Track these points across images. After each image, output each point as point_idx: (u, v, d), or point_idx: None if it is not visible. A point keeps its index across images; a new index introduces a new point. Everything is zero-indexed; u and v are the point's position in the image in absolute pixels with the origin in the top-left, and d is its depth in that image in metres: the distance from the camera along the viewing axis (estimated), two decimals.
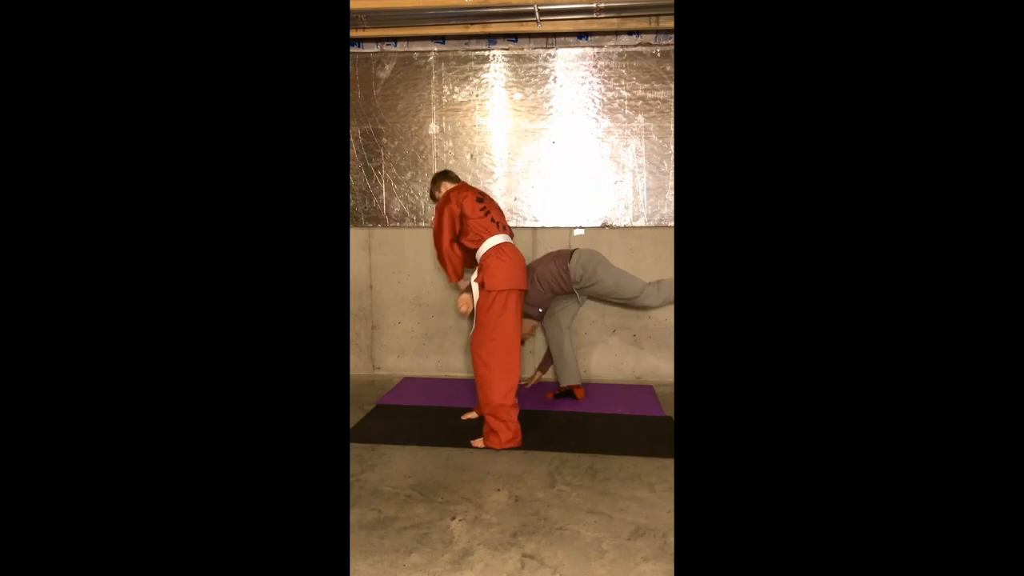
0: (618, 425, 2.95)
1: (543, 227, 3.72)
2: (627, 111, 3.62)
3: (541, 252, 3.71)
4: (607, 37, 3.59)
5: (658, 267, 3.58)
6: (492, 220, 2.75)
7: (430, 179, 3.15)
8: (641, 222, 3.65)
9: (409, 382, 3.71)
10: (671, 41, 3.53)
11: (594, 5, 3.22)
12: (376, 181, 3.82)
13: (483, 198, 2.81)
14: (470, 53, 3.69)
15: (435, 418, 3.05)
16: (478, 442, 2.70)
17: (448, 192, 2.79)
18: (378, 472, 2.42)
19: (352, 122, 3.77)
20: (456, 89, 3.72)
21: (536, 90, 3.67)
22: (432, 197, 3.01)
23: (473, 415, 3.03)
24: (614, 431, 2.86)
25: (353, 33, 3.49)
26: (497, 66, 3.68)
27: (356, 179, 3.83)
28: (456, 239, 2.77)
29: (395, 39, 3.68)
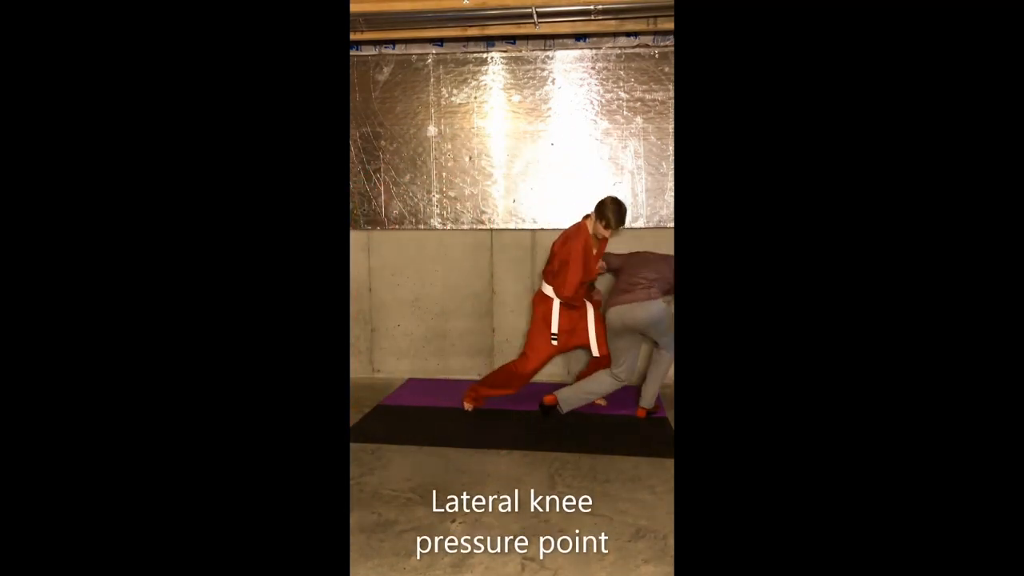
0: (618, 425, 2.95)
1: (542, 229, 3.72)
2: (625, 112, 3.62)
3: (540, 254, 3.71)
4: (605, 39, 3.59)
5: None
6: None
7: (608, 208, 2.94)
8: (640, 223, 3.65)
9: (415, 383, 3.71)
10: (669, 42, 3.53)
11: (592, 7, 3.23)
12: (375, 184, 3.82)
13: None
14: (468, 55, 3.69)
15: (435, 419, 3.05)
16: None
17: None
18: (378, 475, 2.41)
19: (351, 125, 3.76)
20: (454, 91, 3.71)
21: (534, 92, 3.67)
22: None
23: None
24: (614, 431, 2.86)
25: (351, 36, 3.49)
26: (495, 68, 3.68)
27: (355, 182, 3.83)
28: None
29: (393, 42, 3.68)
